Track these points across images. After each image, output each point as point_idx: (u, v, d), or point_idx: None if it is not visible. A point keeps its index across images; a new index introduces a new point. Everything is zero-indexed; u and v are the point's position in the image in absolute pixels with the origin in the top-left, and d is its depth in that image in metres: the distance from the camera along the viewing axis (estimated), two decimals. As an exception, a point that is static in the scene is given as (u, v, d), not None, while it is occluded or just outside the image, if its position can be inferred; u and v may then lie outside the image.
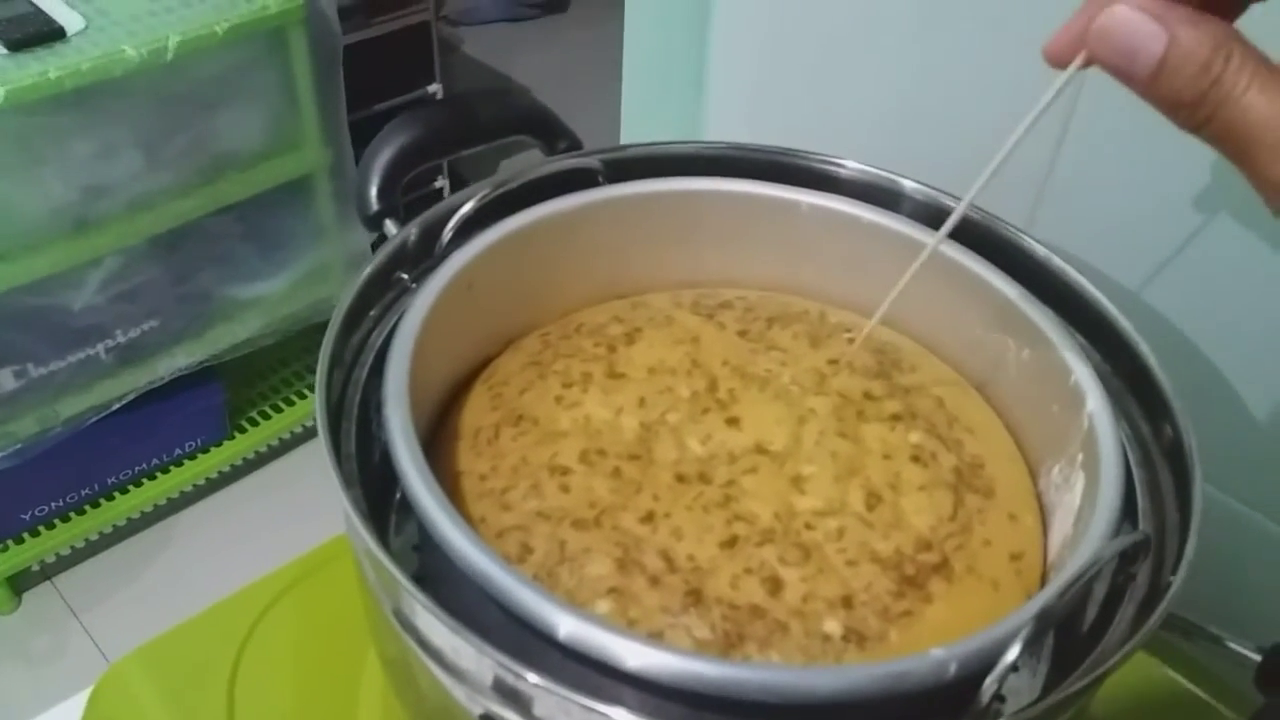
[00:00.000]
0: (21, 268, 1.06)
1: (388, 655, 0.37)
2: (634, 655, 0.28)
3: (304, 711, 0.44)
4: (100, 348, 1.17)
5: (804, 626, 0.32)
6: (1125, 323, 0.38)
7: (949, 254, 0.41)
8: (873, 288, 0.44)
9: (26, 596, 1.29)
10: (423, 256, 0.41)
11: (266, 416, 1.41)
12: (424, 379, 0.37)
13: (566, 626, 0.28)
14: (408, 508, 0.35)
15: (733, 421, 0.38)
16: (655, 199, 0.44)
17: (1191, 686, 0.43)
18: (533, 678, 0.27)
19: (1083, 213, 0.47)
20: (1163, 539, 0.33)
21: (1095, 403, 0.35)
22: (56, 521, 1.26)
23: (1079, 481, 0.35)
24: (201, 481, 1.37)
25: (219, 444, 1.37)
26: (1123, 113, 0.43)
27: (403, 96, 1.52)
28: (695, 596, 0.32)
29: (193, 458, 1.35)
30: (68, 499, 1.26)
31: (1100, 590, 0.32)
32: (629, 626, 0.32)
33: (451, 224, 0.41)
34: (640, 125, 0.67)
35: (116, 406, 1.20)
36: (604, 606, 0.32)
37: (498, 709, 0.29)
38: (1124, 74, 0.25)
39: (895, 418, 0.38)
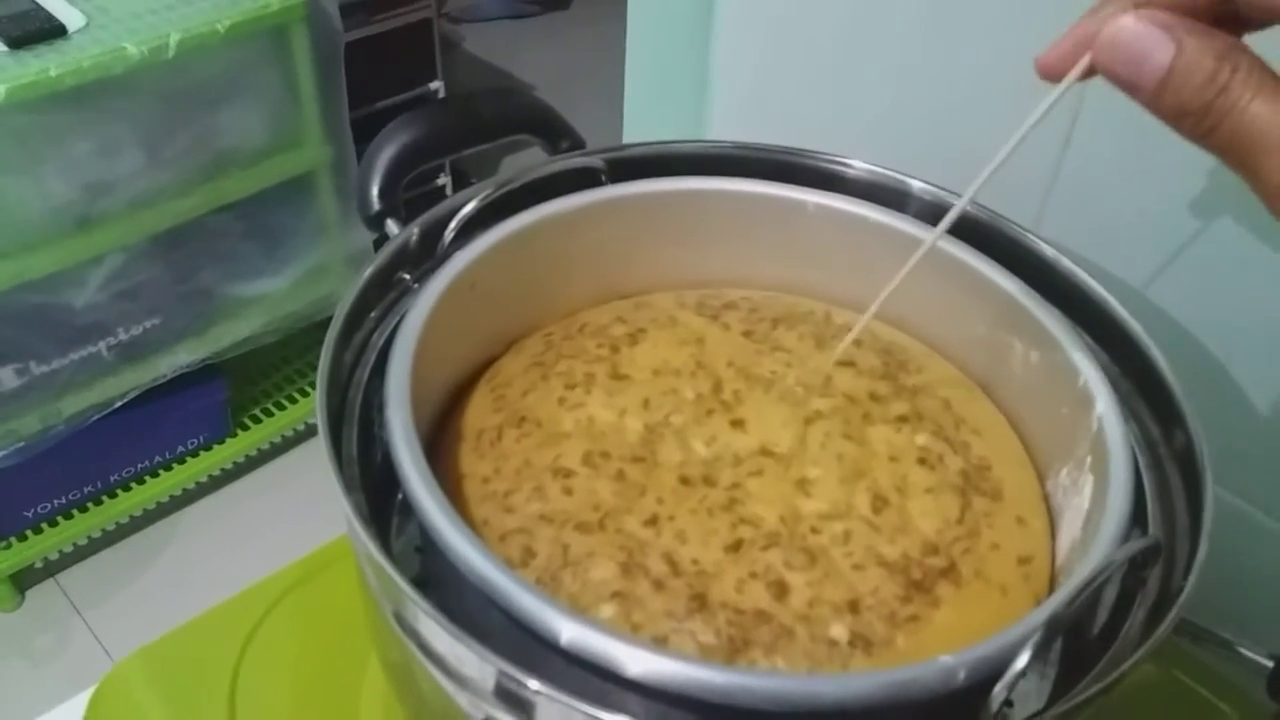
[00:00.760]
0: (23, 265, 1.06)
1: (389, 659, 0.37)
2: (637, 662, 0.27)
3: (305, 714, 0.44)
4: (102, 345, 1.17)
5: (810, 632, 0.31)
6: (1134, 324, 0.37)
7: (956, 254, 0.41)
8: (879, 288, 0.44)
9: (29, 594, 1.29)
10: (425, 256, 0.41)
11: (269, 414, 1.41)
12: (426, 380, 0.37)
13: (569, 633, 0.28)
14: (410, 509, 0.35)
15: (737, 424, 0.38)
16: (659, 199, 0.44)
17: (1204, 692, 0.42)
18: (534, 684, 0.27)
19: (1090, 213, 0.47)
20: (1173, 543, 0.32)
21: (1104, 405, 0.35)
22: (59, 519, 1.26)
23: (1088, 484, 0.35)
24: (204, 479, 1.37)
25: (221, 441, 1.37)
26: (1129, 114, 0.43)
27: (404, 94, 1.52)
28: (700, 601, 0.32)
29: (195, 455, 1.35)
30: (70, 496, 1.26)
31: (1110, 595, 0.32)
32: (633, 631, 0.32)
33: (454, 224, 0.41)
34: (642, 124, 0.66)
35: (119, 404, 1.20)
36: (608, 611, 0.32)
37: (500, 715, 0.29)
38: (1130, 83, 0.25)
39: (902, 419, 0.38)
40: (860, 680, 0.27)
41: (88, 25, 1.06)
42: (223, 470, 1.39)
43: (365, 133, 1.29)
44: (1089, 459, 0.35)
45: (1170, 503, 0.34)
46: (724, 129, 0.62)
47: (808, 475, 0.36)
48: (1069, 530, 0.36)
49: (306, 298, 1.32)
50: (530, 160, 0.44)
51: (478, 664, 0.28)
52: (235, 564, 1.26)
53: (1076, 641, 0.33)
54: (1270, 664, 0.30)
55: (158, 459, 1.32)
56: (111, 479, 1.29)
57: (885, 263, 0.43)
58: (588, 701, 0.26)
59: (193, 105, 1.13)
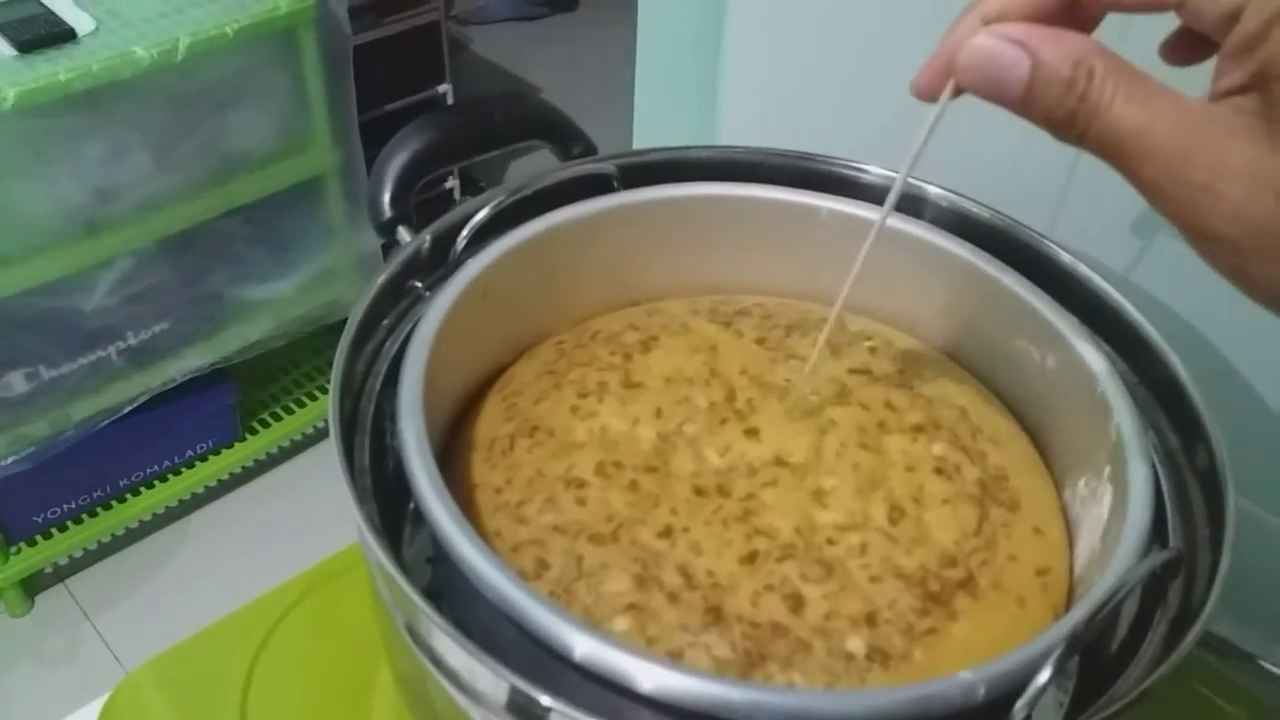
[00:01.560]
0: (32, 270, 1.06)
1: (401, 671, 0.37)
2: (651, 677, 0.27)
3: (317, 724, 0.44)
4: (112, 350, 1.17)
5: (827, 645, 0.31)
6: (1153, 332, 0.37)
7: (971, 260, 0.41)
8: (894, 294, 0.44)
9: (39, 599, 1.29)
10: (437, 264, 0.41)
11: (278, 418, 1.41)
12: (438, 388, 0.37)
13: (582, 647, 0.28)
14: (421, 518, 0.34)
15: (751, 433, 0.38)
16: (671, 205, 0.44)
17: (1224, 704, 0.42)
18: (546, 700, 0.27)
19: (1105, 215, 0.46)
20: (1194, 555, 0.32)
21: (1123, 415, 0.34)
22: (69, 524, 1.26)
23: (1106, 495, 0.34)
24: (214, 483, 1.37)
25: (231, 445, 1.37)
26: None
27: (413, 96, 1.52)
28: (715, 614, 0.32)
29: (205, 459, 1.35)
30: (80, 501, 1.26)
31: (1130, 608, 0.31)
32: (648, 645, 0.31)
33: (466, 231, 0.40)
34: (652, 129, 0.66)
35: (128, 409, 1.20)
36: (622, 624, 0.32)
37: (514, 729, 0.29)
38: (996, 99, 0.25)
39: (918, 429, 0.37)
40: (880, 696, 0.27)
41: (97, 29, 1.06)
42: (232, 474, 1.39)
43: (374, 136, 1.29)
44: (1107, 469, 0.35)
45: (1190, 514, 0.33)
46: (734, 132, 0.62)
47: (823, 485, 0.35)
48: (1087, 540, 0.35)
49: (315, 301, 1.32)
50: (539, 163, 0.43)
51: (491, 679, 0.28)
52: (245, 568, 1.26)
53: (1095, 654, 0.32)
54: (1294, 678, 0.29)
55: (167, 463, 1.32)
56: (121, 483, 1.29)
57: (900, 268, 0.42)
58: (602, 717, 0.26)
59: (201, 109, 1.13)
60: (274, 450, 1.42)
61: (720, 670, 0.31)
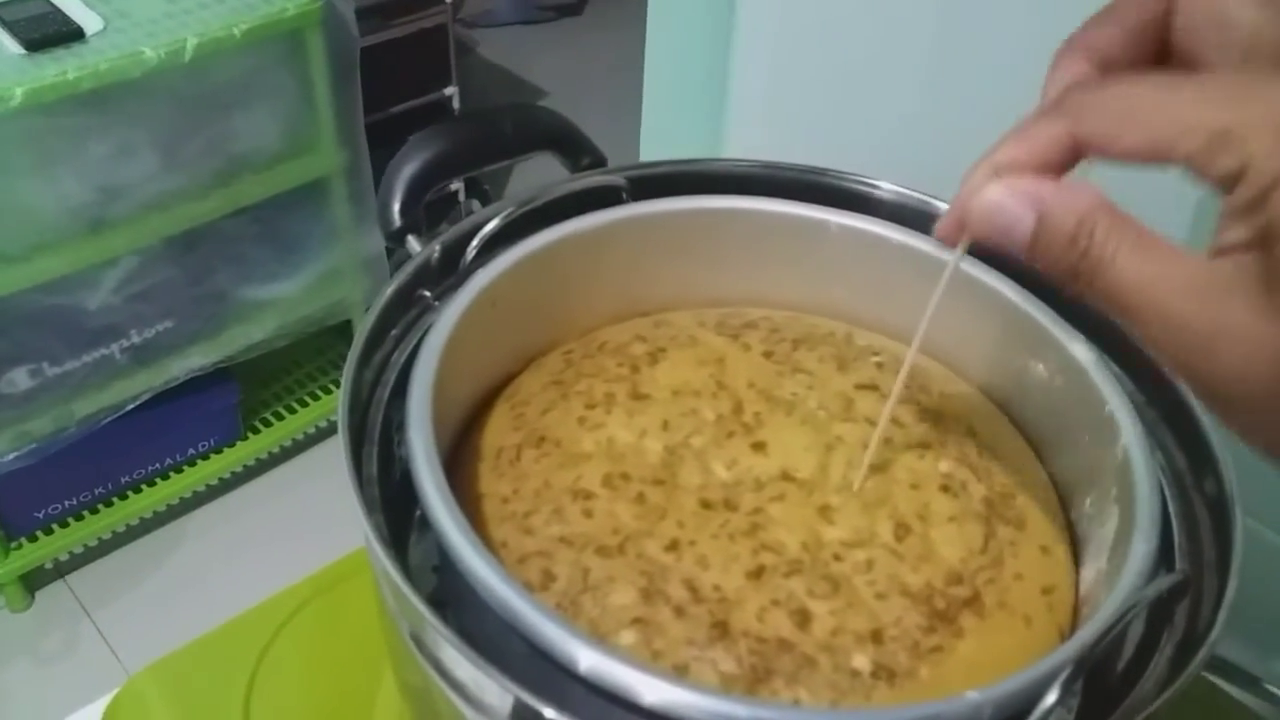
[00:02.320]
0: (38, 267, 1.07)
1: (406, 681, 0.37)
2: (655, 692, 0.27)
3: (319, 730, 0.44)
4: (115, 348, 1.17)
5: (833, 661, 0.31)
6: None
7: (978, 276, 0.41)
8: (902, 310, 0.44)
9: (39, 595, 1.29)
10: (446, 274, 0.41)
11: (280, 417, 1.41)
12: (446, 398, 0.37)
13: (587, 660, 0.28)
14: (427, 525, 0.34)
15: (759, 446, 0.38)
16: (681, 217, 0.44)
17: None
18: (550, 713, 0.27)
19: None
20: (1200, 578, 0.32)
21: (1130, 436, 0.35)
22: (70, 520, 1.26)
23: (1113, 516, 0.35)
24: (215, 481, 1.37)
25: (233, 444, 1.37)
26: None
27: (419, 99, 1.52)
28: (721, 629, 0.32)
29: (206, 458, 1.35)
30: (81, 498, 1.26)
31: (1136, 629, 0.31)
32: (654, 659, 0.31)
33: (476, 241, 0.40)
34: (660, 139, 0.66)
35: (131, 406, 1.20)
36: (628, 638, 0.32)
37: (518, 740, 0.29)
38: (1006, 249, 0.26)
39: (924, 445, 0.37)
40: (886, 715, 0.27)
41: (105, 29, 1.07)
42: (233, 473, 1.39)
43: (380, 138, 1.30)
44: (1114, 490, 0.35)
45: (1197, 535, 0.33)
46: (741, 143, 0.62)
47: (830, 502, 0.35)
48: (1093, 561, 0.35)
49: (319, 302, 1.33)
50: (545, 169, 0.43)
51: (497, 691, 0.28)
52: (245, 567, 1.27)
53: (1100, 675, 0.32)
54: (1299, 702, 0.29)
55: (169, 461, 1.32)
56: (123, 481, 1.29)
57: (908, 284, 0.43)
58: (608, 732, 0.26)
59: (208, 109, 1.13)
60: (275, 450, 1.42)
61: (726, 686, 0.31)
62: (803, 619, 0.32)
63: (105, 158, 1.08)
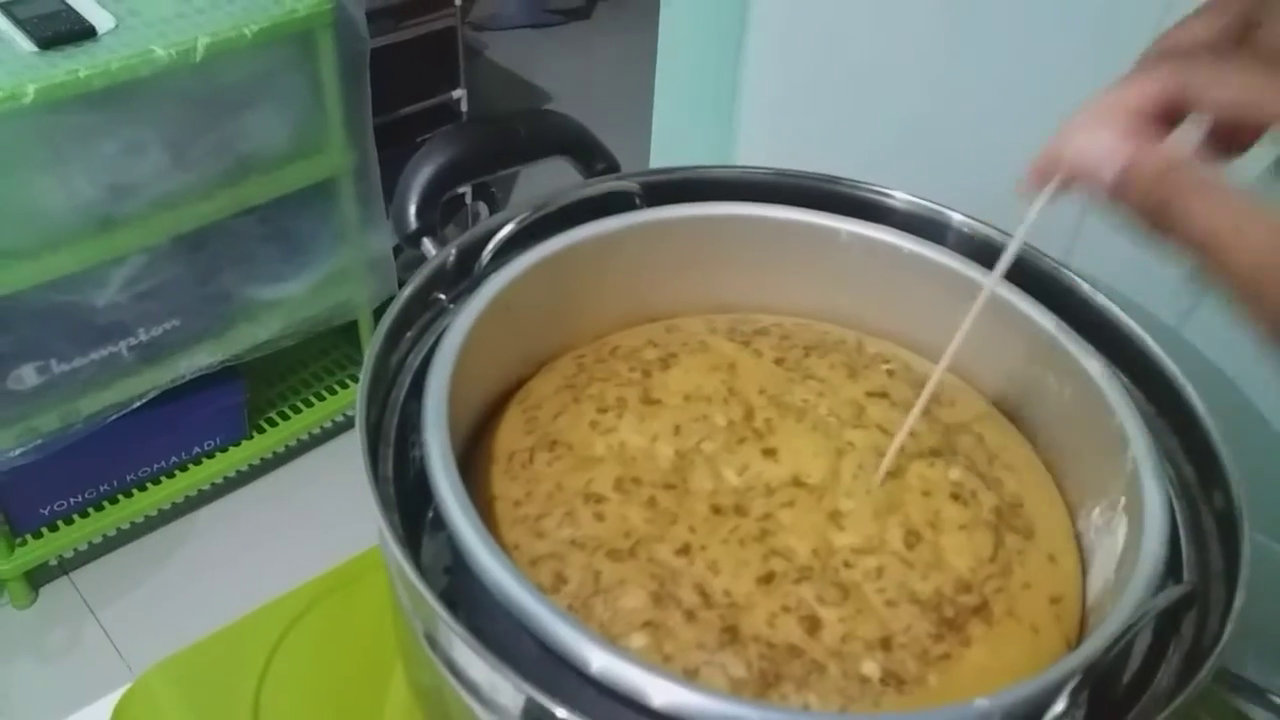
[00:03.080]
0: (46, 265, 1.07)
1: (418, 680, 0.37)
2: (665, 694, 0.28)
3: (328, 728, 0.44)
4: (122, 345, 1.18)
5: (842, 668, 0.31)
6: (1171, 365, 0.37)
7: (993, 287, 0.41)
8: (912, 318, 0.44)
9: (43, 591, 1.29)
10: (460, 277, 0.41)
11: (285, 417, 1.42)
12: (460, 400, 0.37)
13: (599, 661, 0.28)
14: (440, 526, 0.35)
15: (769, 452, 0.38)
16: (692, 223, 0.44)
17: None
18: (562, 713, 0.27)
19: (1123, 242, 0.46)
20: (1208, 589, 0.32)
21: (1139, 447, 0.35)
22: (75, 517, 1.26)
23: (1121, 526, 0.35)
24: (220, 480, 1.38)
25: (238, 443, 1.37)
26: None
27: (427, 101, 1.52)
28: (732, 633, 0.32)
29: (211, 456, 1.35)
30: (87, 495, 1.27)
31: (1144, 639, 0.31)
32: (664, 662, 0.32)
33: (491, 246, 0.41)
34: (671, 144, 0.67)
35: (137, 404, 1.20)
36: (639, 641, 0.32)
37: (529, 740, 0.29)
38: (1094, 186, 0.28)
39: (935, 453, 0.38)
40: (895, 722, 0.27)
41: (117, 27, 1.07)
42: (239, 472, 1.39)
43: (388, 139, 1.30)
44: (1123, 500, 0.35)
45: (1205, 547, 0.34)
46: (752, 149, 0.62)
47: (840, 508, 0.36)
48: (1101, 571, 0.35)
49: (325, 302, 1.33)
50: (554, 173, 0.44)
51: (509, 691, 0.29)
52: (249, 566, 1.27)
53: (1107, 685, 0.32)
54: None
55: (174, 459, 1.33)
56: (128, 478, 1.29)
57: (918, 292, 0.43)
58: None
59: (218, 109, 1.13)
60: (280, 449, 1.42)
61: (736, 690, 0.31)
62: (812, 625, 0.32)
63: (115, 156, 1.08)
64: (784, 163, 0.46)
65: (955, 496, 0.36)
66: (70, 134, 1.04)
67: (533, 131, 0.45)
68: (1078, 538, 0.38)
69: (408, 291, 0.39)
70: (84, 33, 1.05)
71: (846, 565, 0.34)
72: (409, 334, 0.39)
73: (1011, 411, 0.42)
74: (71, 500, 1.25)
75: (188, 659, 0.45)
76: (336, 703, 0.44)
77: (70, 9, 1.07)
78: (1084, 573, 0.37)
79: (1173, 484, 0.35)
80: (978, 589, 0.34)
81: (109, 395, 1.18)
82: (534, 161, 0.45)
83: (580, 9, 2.48)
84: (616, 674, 0.28)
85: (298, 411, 1.42)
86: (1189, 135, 0.28)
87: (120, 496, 1.29)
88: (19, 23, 1.04)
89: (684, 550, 0.34)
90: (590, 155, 0.46)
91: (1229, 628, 0.29)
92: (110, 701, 0.45)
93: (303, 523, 1.34)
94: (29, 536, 1.24)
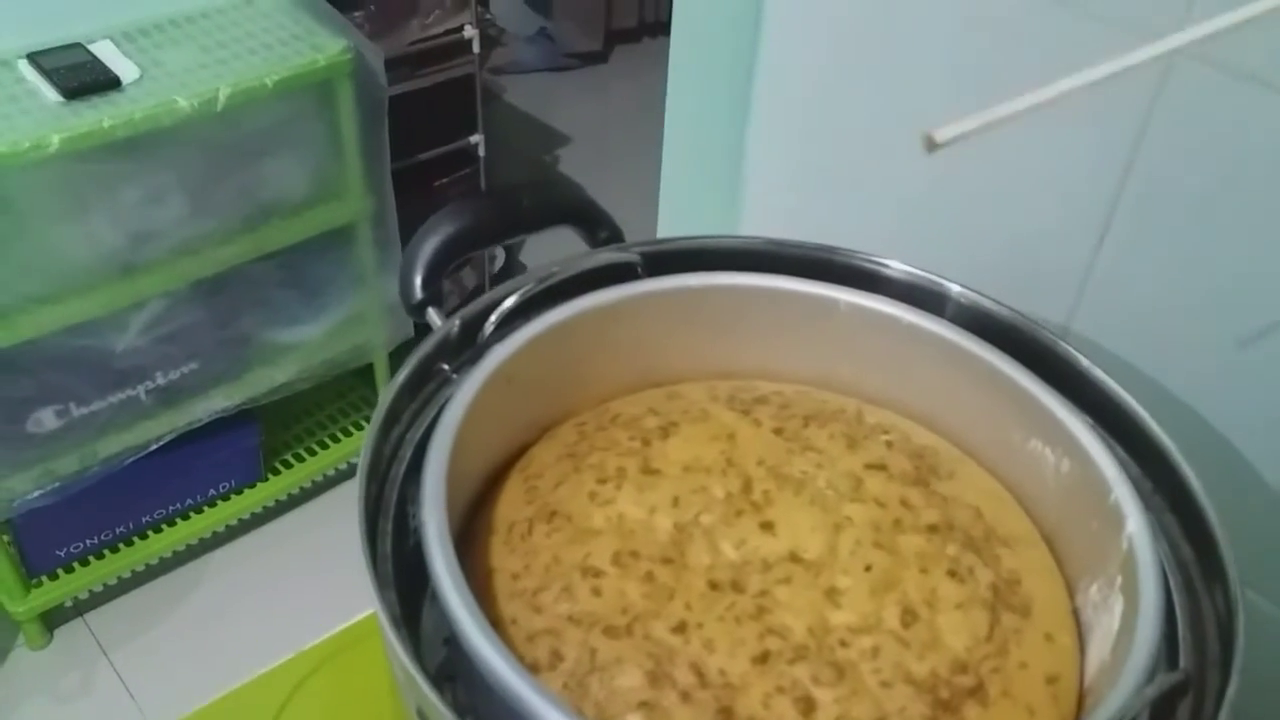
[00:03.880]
0: (68, 310, 1.08)
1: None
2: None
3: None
4: (141, 389, 1.19)
5: (836, 751, 0.31)
6: (1168, 441, 0.37)
7: (989, 359, 0.41)
8: (911, 388, 0.44)
9: (58, 633, 1.30)
10: (464, 346, 0.42)
11: (301, 459, 1.43)
12: (460, 472, 0.37)
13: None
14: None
15: (767, 526, 0.38)
16: (693, 293, 0.45)
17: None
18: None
19: (1125, 308, 0.47)
20: (1203, 673, 0.32)
21: (1135, 525, 0.35)
22: (91, 559, 1.27)
23: (1118, 605, 0.35)
24: (235, 522, 1.38)
25: (253, 485, 1.38)
26: (1166, 209, 0.43)
27: (445, 146, 1.54)
28: (727, 715, 0.32)
29: (227, 499, 1.36)
30: (102, 537, 1.28)
31: (1139, 722, 0.31)
32: (659, 743, 0.32)
33: (494, 317, 0.41)
34: (678, 213, 0.67)
35: (154, 447, 1.21)
36: (634, 721, 0.32)
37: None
38: None
39: (932, 529, 0.38)
40: (885, 813, 0.27)
41: (141, 78, 1.09)
42: (253, 514, 1.40)
43: (406, 184, 1.31)
44: (1119, 579, 0.35)
45: (1202, 628, 0.34)
46: (757, 219, 0.63)
47: (837, 584, 0.36)
48: (1098, 650, 0.35)
49: (342, 346, 1.34)
50: (564, 233, 0.44)
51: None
52: (263, 608, 1.27)
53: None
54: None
55: (190, 501, 1.34)
56: (144, 520, 1.30)
57: (917, 363, 0.43)
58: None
59: (239, 156, 1.15)
60: (295, 491, 1.43)
61: (729, 773, 0.31)
62: (807, 707, 0.32)
63: (137, 203, 1.10)
64: (788, 233, 0.46)
65: (952, 573, 0.36)
66: (94, 182, 1.06)
67: (536, 203, 0.46)
68: (1076, 613, 0.38)
69: (411, 364, 0.39)
70: (109, 83, 1.07)
71: (842, 644, 0.34)
72: (412, 405, 0.40)
73: (1010, 484, 0.42)
74: (87, 542, 1.26)
75: (195, 722, 0.45)
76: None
77: (96, 60, 1.10)
78: (1082, 649, 0.37)
79: (1169, 561, 0.35)
80: (974, 669, 0.34)
81: (127, 438, 1.19)
82: (539, 231, 0.46)
83: (597, 53, 2.51)
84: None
85: (313, 454, 1.43)
86: None
87: (135, 539, 1.30)
88: (45, 73, 1.06)
89: (680, 628, 0.35)
90: (594, 224, 0.46)
91: (1223, 715, 0.29)
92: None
93: (317, 565, 1.34)
94: (45, 578, 1.25)
